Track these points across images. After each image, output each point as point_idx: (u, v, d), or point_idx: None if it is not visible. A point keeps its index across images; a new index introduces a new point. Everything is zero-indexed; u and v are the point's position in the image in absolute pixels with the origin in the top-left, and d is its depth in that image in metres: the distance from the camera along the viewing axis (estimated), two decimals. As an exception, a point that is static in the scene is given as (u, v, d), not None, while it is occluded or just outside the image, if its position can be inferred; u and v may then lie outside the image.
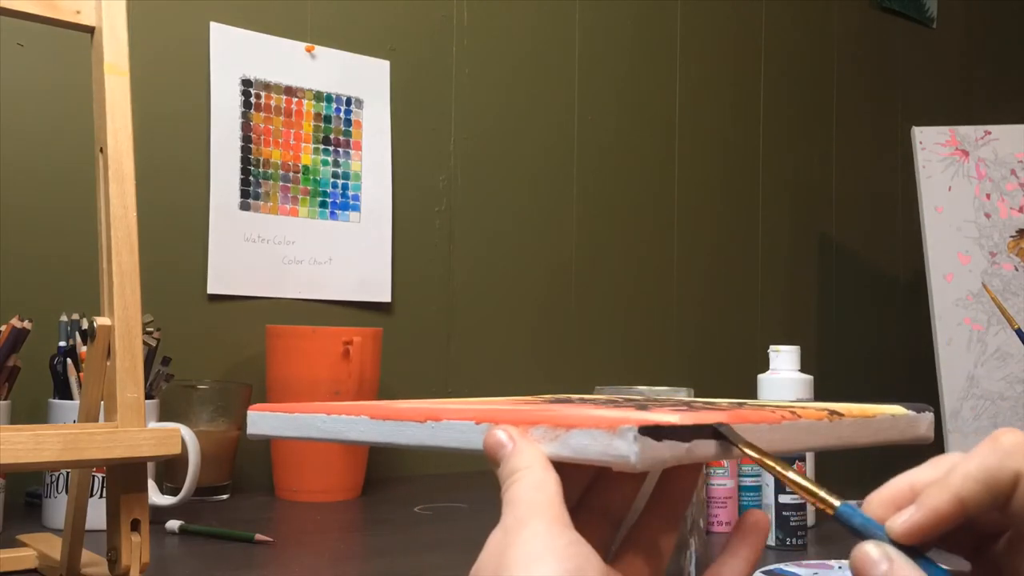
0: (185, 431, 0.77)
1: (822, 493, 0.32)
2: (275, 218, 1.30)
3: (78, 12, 0.67)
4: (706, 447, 0.34)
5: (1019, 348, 1.57)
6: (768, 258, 1.84)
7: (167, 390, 1.08)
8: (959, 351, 1.61)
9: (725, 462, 0.99)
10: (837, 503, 0.32)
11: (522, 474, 0.35)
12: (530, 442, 0.36)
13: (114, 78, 0.67)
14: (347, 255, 1.35)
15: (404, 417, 0.40)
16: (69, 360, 0.95)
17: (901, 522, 0.32)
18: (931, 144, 1.68)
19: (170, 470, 1.09)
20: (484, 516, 1.05)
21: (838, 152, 1.97)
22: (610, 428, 0.33)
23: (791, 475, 0.33)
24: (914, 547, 0.32)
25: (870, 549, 0.31)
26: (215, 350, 1.25)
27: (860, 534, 0.32)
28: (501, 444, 0.36)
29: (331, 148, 1.35)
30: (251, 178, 1.28)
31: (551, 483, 0.34)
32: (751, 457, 0.34)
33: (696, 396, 0.69)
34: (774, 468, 0.33)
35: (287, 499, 1.13)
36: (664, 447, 0.33)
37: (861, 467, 1.92)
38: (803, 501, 0.92)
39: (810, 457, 1.00)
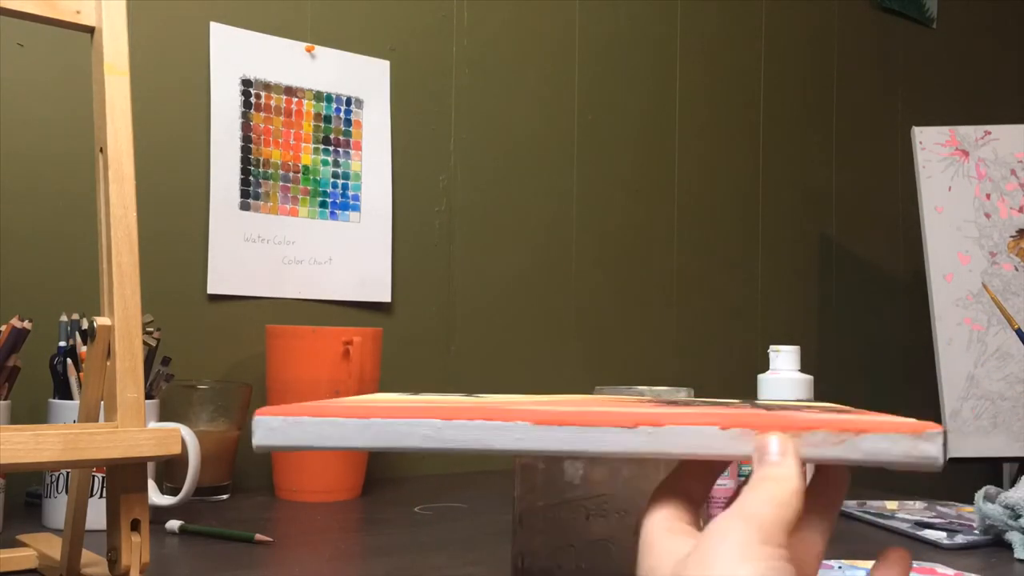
0: (185, 431, 0.77)
1: None
2: (275, 218, 1.30)
3: (78, 12, 0.67)
4: None
5: (1019, 348, 1.57)
6: (768, 258, 1.84)
7: (167, 390, 1.08)
8: (959, 351, 1.61)
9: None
10: None
11: (774, 485, 0.37)
12: (796, 459, 0.38)
13: (114, 78, 0.67)
14: (347, 255, 1.35)
15: (604, 423, 0.39)
16: (69, 360, 0.94)
17: None
18: (931, 144, 1.68)
19: (170, 470, 1.09)
20: (484, 516, 1.05)
21: (838, 152, 1.97)
22: (914, 432, 0.37)
23: None
24: None
25: None
26: (215, 350, 1.25)
27: None
28: (769, 454, 0.38)
29: (331, 148, 1.35)
30: (251, 178, 1.28)
31: (794, 507, 0.36)
32: None
33: (696, 396, 0.69)
34: None
35: (287, 499, 1.13)
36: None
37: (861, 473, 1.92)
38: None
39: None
